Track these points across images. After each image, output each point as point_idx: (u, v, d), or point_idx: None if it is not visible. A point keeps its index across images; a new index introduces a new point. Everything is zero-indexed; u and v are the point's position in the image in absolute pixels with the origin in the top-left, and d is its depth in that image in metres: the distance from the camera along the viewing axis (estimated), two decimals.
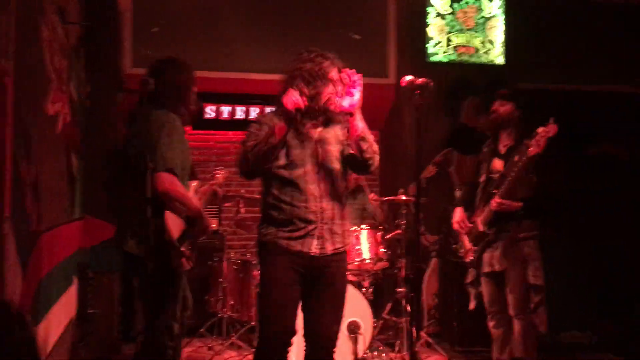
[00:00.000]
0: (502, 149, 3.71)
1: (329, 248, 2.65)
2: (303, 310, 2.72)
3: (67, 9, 3.63)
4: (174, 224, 2.83)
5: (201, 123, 5.28)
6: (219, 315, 4.56)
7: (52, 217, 3.31)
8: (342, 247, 2.70)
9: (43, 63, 3.05)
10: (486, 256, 3.65)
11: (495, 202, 3.53)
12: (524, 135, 3.59)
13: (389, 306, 4.51)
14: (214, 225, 3.24)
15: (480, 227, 3.64)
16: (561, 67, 5.33)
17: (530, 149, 3.41)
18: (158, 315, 2.83)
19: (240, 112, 5.34)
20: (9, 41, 2.37)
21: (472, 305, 3.79)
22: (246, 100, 5.32)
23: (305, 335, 2.72)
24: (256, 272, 4.28)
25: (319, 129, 2.71)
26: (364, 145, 2.62)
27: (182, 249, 2.83)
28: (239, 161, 2.63)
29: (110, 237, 4.44)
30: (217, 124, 5.39)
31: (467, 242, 3.73)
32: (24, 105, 2.63)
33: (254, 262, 4.36)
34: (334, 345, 2.72)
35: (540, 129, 3.42)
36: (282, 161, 2.62)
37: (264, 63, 5.08)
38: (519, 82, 5.09)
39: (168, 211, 2.79)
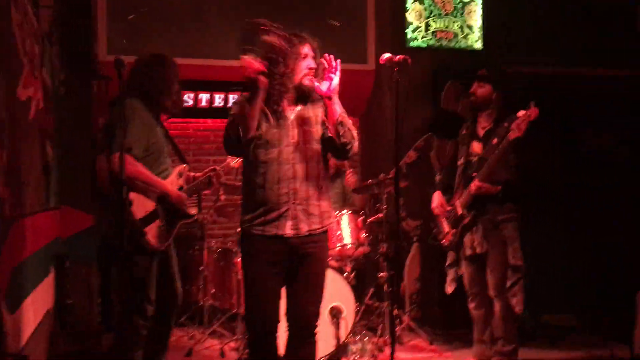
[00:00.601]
0: (481, 132, 3.71)
1: (304, 229, 2.64)
2: (286, 294, 2.73)
3: None
4: (139, 205, 2.89)
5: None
6: (200, 304, 4.53)
7: (26, 204, 3.24)
8: (319, 227, 2.68)
9: (14, 46, 2.98)
10: (467, 239, 3.66)
11: (474, 185, 3.53)
12: (502, 118, 3.60)
13: (371, 291, 4.52)
14: (193, 210, 3.20)
15: (459, 211, 3.64)
16: (540, 51, 5.35)
17: (511, 133, 3.41)
18: (128, 297, 2.83)
19: (218, 100, 5.28)
20: None
21: (449, 289, 3.80)
22: (225, 87, 5.27)
23: (287, 318, 2.72)
24: (237, 260, 4.25)
25: (298, 108, 2.69)
26: (342, 130, 2.61)
27: (146, 229, 2.87)
28: (224, 139, 2.63)
29: (87, 227, 4.43)
30: (196, 111, 5.32)
31: (445, 226, 3.74)
32: None
33: (234, 250, 4.33)
34: (314, 326, 2.71)
35: (521, 113, 3.42)
36: (259, 141, 2.61)
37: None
38: (500, 66, 5.10)
39: (133, 192, 2.84)
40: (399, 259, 2.57)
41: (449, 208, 3.72)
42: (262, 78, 2.54)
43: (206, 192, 4.33)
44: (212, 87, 5.26)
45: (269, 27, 2.61)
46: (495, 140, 3.54)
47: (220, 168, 3.38)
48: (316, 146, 2.67)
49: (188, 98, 5.23)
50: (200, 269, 4.57)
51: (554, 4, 5.39)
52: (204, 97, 5.26)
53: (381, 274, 4.22)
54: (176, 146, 3.31)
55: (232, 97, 5.31)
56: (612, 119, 5.35)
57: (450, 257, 3.80)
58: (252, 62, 2.53)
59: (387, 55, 2.71)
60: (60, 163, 4.16)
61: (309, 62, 2.67)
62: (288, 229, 2.61)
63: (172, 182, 3.11)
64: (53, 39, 4.04)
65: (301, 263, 2.67)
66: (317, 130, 2.69)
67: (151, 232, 2.96)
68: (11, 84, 2.93)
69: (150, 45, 4.84)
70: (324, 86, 2.59)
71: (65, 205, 4.28)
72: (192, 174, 3.31)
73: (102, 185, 3.01)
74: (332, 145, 2.66)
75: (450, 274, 3.80)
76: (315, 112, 2.70)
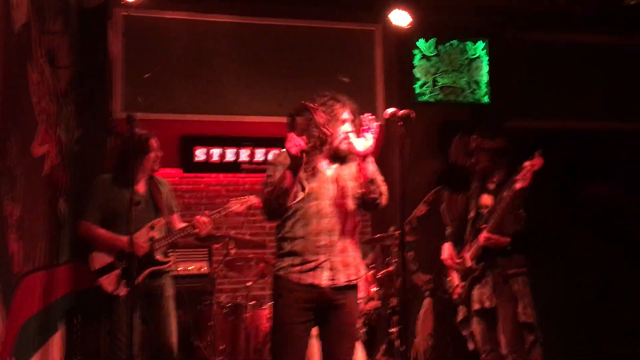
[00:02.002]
0: (491, 185, 3.72)
1: (342, 280, 2.71)
2: (320, 345, 2.80)
3: (57, 53, 3.69)
4: (97, 259, 3.50)
5: (191, 166, 5.29)
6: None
7: (38, 259, 3.27)
8: (355, 278, 2.76)
9: (30, 105, 3.08)
10: (475, 293, 3.61)
11: (483, 236, 3.52)
12: (512, 172, 3.61)
13: (382, 348, 4.43)
14: (140, 248, 3.53)
15: (469, 263, 3.61)
16: (546, 105, 5.41)
17: (517, 183, 3.43)
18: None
19: (230, 155, 5.36)
20: None
21: (471, 345, 3.72)
22: (236, 142, 5.35)
23: None
24: (246, 315, 4.22)
25: (335, 166, 2.81)
26: (371, 187, 2.71)
27: (100, 279, 3.43)
28: (263, 208, 2.77)
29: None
30: (208, 166, 5.40)
31: (455, 278, 3.70)
32: (8, 145, 2.64)
33: (244, 305, 4.29)
34: None
35: (526, 163, 3.45)
36: (297, 196, 2.72)
37: (254, 106, 5.15)
38: (506, 120, 5.16)
39: (95, 251, 3.51)
40: (406, 312, 2.54)
41: (458, 260, 3.69)
42: (304, 157, 2.63)
43: (216, 245, 4.40)
44: (223, 142, 5.35)
45: (316, 107, 2.72)
46: (505, 193, 3.55)
47: (198, 219, 3.68)
48: (351, 201, 2.78)
49: (200, 153, 5.32)
50: (209, 324, 4.52)
51: (557, 59, 5.49)
52: (216, 152, 5.34)
53: (392, 329, 4.15)
54: (155, 202, 3.67)
55: (244, 152, 5.39)
56: (616, 170, 5.34)
57: (461, 313, 3.73)
58: (296, 139, 2.62)
59: (391, 110, 2.77)
60: (73, 218, 4.21)
61: (347, 127, 2.78)
62: (324, 280, 2.69)
63: (142, 235, 3.50)
64: (69, 97, 4.16)
65: (334, 314, 2.72)
66: (352, 187, 2.79)
67: (107, 280, 3.43)
68: (26, 141, 3.02)
69: (164, 102, 4.98)
70: (359, 145, 2.68)
71: (76, 260, 4.29)
72: (180, 225, 3.74)
73: None
74: (363, 199, 2.76)
75: (464, 332, 3.73)
76: (350, 170, 2.82)
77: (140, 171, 3.59)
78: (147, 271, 3.48)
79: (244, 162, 5.40)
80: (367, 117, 2.67)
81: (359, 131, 2.72)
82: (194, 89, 5.08)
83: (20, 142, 2.88)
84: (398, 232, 4.26)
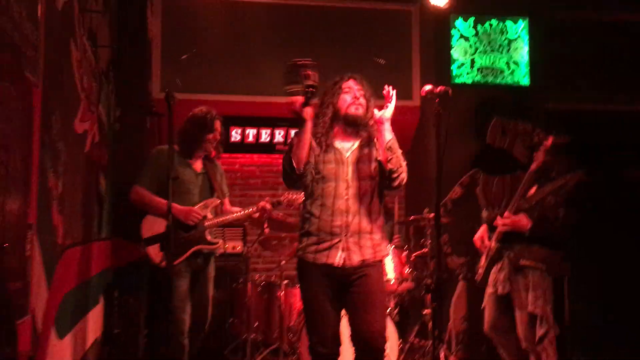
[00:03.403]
0: (544, 179, 3.64)
1: (356, 260, 2.72)
2: (348, 319, 2.80)
3: (97, 32, 3.75)
4: (147, 227, 3.51)
5: (227, 146, 5.34)
6: (244, 337, 4.53)
7: (79, 233, 3.37)
8: (372, 259, 2.75)
9: (73, 81, 3.15)
10: (492, 276, 3.57)
11: (501, 219, 3.49)
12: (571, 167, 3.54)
13: (415, 329, 4.43)
14: (215, 239, 3.59)
15: (492, 244, 3.57)
16: (588, 88, 5.27)
17: (532, 164, 3.40)
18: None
19: (265, 135, 5.39)
20: (38, 56, 2.45)
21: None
22: (271, 123, 5.38)
23: (353, 343, 2.76)
24: (280, 293, 4.27)
25: (354, 147, 2.82)
26: (390, 155, 2.72)
27: (148, 247, 3.42)
28: (282, 174, 2.80)
29: (136, 258, 4.54)
30: (243, 147, 5.45)
31: (482, 260, 3.67)
32: (52, 119, 2.71)
33: (278, 283, 4.34)
34: (382, 346, 2.72)
35: (541, 145, 3.41)
36: (317, 175, 2.76)
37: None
38: (545, 103, 5.05)
39: (147, 215, 3.52)
40: (440, 291, 2.53)
41: (488, 242, 3.66)
42: (307, 109, 2.66)
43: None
44: (258, 122, 5.38)
45: (305, 62, 2.74)
46: (549, 188, 3.49)
47: (263, 206, 3.64)
48: (370, 182, 2.78)
49: (236, 134, 5.37)
50: (244, 302, 4.59)
51: (599, 39, 5.32)
52: (251, 132, 5.38)
53: (425, 311, 4.14)
54: (211, 183, 3.66)
55: (278, 133, 5.41)
56: None
57: (485, 298, 3.70)
58: (296, 98, 2.68)
59: (428, 87, 2.74)
60: (113, 195, 4.31)
61: (354, 94, 2.80)
62: (338, 259, 2.71)
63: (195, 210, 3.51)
64: (110, 76, 4.24)
65: (357, 285, 2.73)
66: (371, 167, 2.80)
67: (154, 251, 3.44)
68: (69, 117, 3.09)
69: (201, 83, 5.03)
70: (378, 113, 2.75)
71: (116, 237, 4.40)
72: (231, 208, 3.74)
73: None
74: (382, 172, 2.77)
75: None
76: (370, 150, 2.82)
77: (198, 149, 3.60)
78: (195, 248, 3.48)
79: (278, 143, 5.43)
80: (387, 88, 2.72)
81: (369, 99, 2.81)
82: (230, 69, 5.12)
83: (64, 117, 2.95)
84: (432, 214, 4.24)
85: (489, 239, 3.69)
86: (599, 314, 4.66)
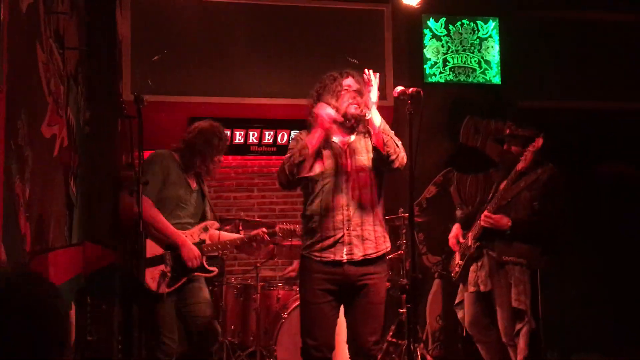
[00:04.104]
0: (514, 174, 3.68)
1: (358, 254, 2.73)
2: (347, 325, 2.84)
3: (65, 34, 3.68)
4: (152, 246, 3.14)
5: None
6: (220, 340, 4.49)
7: (48, 240, 3.29)
8: (374, 252, 2.77)
9: (39, 85, 3.07)
10: (471, 275, 3.60)
11: (483, 215, 3.51)
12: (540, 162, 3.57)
13: (392, 328, 4.44)
14: (195, 260, 3.32)
15: (470, 242, 3.60)
16: (558, 86, 5.35)
17: (519, 164, 3.43)
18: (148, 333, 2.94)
19: (239, 137, 5.35)
20: (1, 60, 2.39)
21: (465, 331, 3.73)
22: (245, 124, 5.34)
23: (348, 349, 2.82)
24: (255, 296, 4.24)
25: (350, 139, 2.84)
26: (385, 139, 2.73)
27: (146, 269, 3.08)
28: (278, 172, 2.81)
29: (109, 263, 4.47)
30: None
31: (457, 258, 3.70)
32: (18, 124, 2.64)
33: (254, 286, 4.31)
34: (374, 357, 2.78)
35: (530, 145, 3.44)
36: (314, 172, 2.76)
37: (263, 88, 5.13)
38: (517, 101, 5.11)
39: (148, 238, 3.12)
40: (416, 291, 2.55)
41: (463, 241, 3.69)
42: (335, 126, 2.74)
43: (226, 227, 4.39)
44: (232, 124, 5.33)
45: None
46: (522, 183, 3.52)
47: (262, 233, 3.51)
48: (369, 174, 2.81)
49: None
50: (219, 305, 4.55)
51: (569, 38, 5.40)
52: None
53: (402, 310, 4.15)
54: (211, 206, 3.51)
55: (252, 134, 5.37)
56: (629, 151, 5.27)
57: (459, 295, 3.73)
58: (329, 110, 2.73)
59: (400, 88, 2.75)
60: (83, 200, 4.23)
61: (353, 93, 2.83)
62: (343, 255, 2.72)
63: (193, 233, 3.30)
64: (78, 79, 4.16)
65: (359, 294, 2.75)
66: (368, 159, 2.81)
67: (150, 275, 3.14)
68: (36, 122, 3.02)
69: (172, 85, 4.97)
70: (361, 99, 2.79)
71: (87, 242, 4.32)
72: (226, 234, 3.54)
73: (125, 223, 3.18)
74: (379, 158, 2.77)
75: (459, 314, 3.73)
76: (366, 142, 2.85)
77: (200, 163, 3.41)
78: (191, 275, 3.33)
79: (252, 145, 5.39)
80: (368, 72, 2.74)
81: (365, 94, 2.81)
82: (202, 70, 5.07)
83: (31, 122, 2.88)
84: (407, 213, 4.25)
85: (463, 237, 3.72)
86: (573, 307, 4.72)
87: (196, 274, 3.34)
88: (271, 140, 5.39)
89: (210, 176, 3.50)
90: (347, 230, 2.73)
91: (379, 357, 4.04)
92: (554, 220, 3.54)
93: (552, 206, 3.50)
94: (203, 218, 3.51)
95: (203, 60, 5.08)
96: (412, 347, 2.65)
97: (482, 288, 3.53)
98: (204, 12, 5.11)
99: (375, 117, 2.74)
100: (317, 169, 2.76)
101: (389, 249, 2.93)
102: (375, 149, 2.77)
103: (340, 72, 2.88)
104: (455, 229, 3.78)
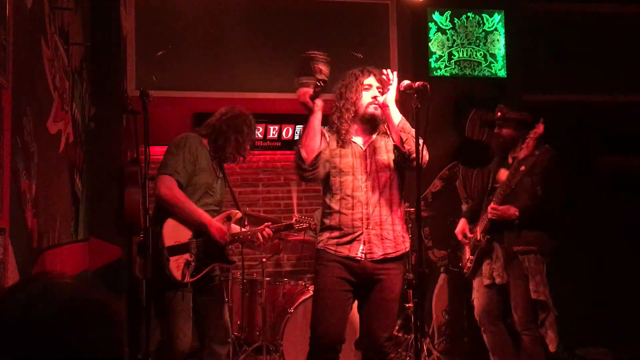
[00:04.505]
0: (510, 160, 3.68)
1: (378, 253, 2.73)
2: (359, 320, 2.85)
3: (70, 30, 3.67)
4: (171, 234, 2.96)
5: None
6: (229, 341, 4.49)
7: (54, 235, 3.29)
8: (393, 252, 2.77)
9: (44, 81, 3.07)
10: (485, 268, 3.58)
11: (490, 208, 3.49)
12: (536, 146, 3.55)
13: (399, 322, 4.43)
14: (226, 236, 3.15)
15: (479, 236, 3.59)
16: (564, 78, 5.31)
17: (521, 152, 3.41)
18: (161, 327, 2.88)
19: None
20: (6, 57, 2.38)
21: (467, 325, 3.73)
22: None
23: (361, 344, 2.85)
24: (261, 291, 4.24)
25: (369, 139, 2.85)
26: (404, 136, 2.72)
27: (171, 258, 2.91)
28: (294, 158, 2.80)
29: (115, 259, 4.47)
30: None
31: (467, 253, 3.68)
32: (24, 120, 2.64)
33: (259, 281, 4.32)
34: (387, 353, 2.77)
35: (531, 132, 3.43)
36: (334, 170, 2.77)
37: (267, 83, 5.12)
38: (523, 94, 5.08)
39: (170, 218, 2.96)
40: (422, 286, 2.54)
41: (470, 235, 3.68)
42: (317, 101, 2.69)
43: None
44: None
45: (317, 55, 2.79)
46: (522, 168, 3.50)
47: (271, 228, 3.34)
48: (388, 173, 2.81)
49: None
50: (225, 300, 4.55)
51: (575, 32, 5.37)
52: None
53: (408, 305, 4.15)
54: (233, 195, 3.42)
55: (257, 129, 5.35)
56: (633, 145, 5.25)
57: (474, 293, 3.72)
58: (305, 90, 2.71)
59: (406, 82, 2.74)
60: (90, 195, 4.24)
61: (374, 92, 2.81)
62: (360, 252, 2.73)
63: (218, 220, 3.15)
64: (83, 74, 4.16)
65: (373, 289, 2.75)
66: (388, 159, 2.82)
67: (175, 264, 2.97)
68: (41, 118, 3.02)
69: (177, 80, 4.96)
70: (380, 98, 2.78)
71: (93, 237, 4.33)
72: (247, 227, 3.40)
73: (131, 219, 3.12)
74: (400, 155, 2.77)
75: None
76: (387, 142, 2.85)
77: (232, 150, 3.22)
78: (213, 265, 3.16)
79: (257, 139, 5.38)
80: (387, 71, 2.76)
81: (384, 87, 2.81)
82: (206, 65, 5.06)
83: (36, 118, 2.88)
84: (413, 208, 4.24)
85: (470, 231, 3.70)
86: (577, 300, 4.71)
87: (221, 264, 3.22)
88: (276, 135, 5.38)
89: (236, 164, 3.37)
90: (367, 229, 2.73)
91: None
92: (558, 203, 3.52)
93: (555, 189, 3.49)
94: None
95: (207, 55, 5.08)
96: (418, 341, 2.63)
97: (497, 280, 3.52)
98: (208, 7, 5.10)
99: (395, 115, 2.74)
100: (335, 167, 2.79)
101: (407, 249, 2.89)
102: (395, 147, 2.78)
103: (362, 70, 2.88)
104: (462, 223, 3.77)
